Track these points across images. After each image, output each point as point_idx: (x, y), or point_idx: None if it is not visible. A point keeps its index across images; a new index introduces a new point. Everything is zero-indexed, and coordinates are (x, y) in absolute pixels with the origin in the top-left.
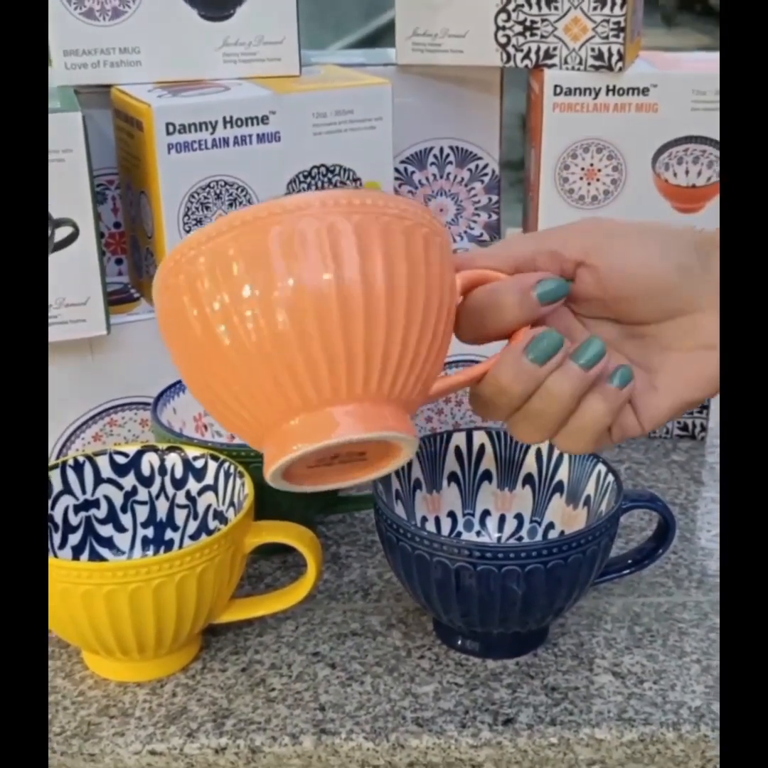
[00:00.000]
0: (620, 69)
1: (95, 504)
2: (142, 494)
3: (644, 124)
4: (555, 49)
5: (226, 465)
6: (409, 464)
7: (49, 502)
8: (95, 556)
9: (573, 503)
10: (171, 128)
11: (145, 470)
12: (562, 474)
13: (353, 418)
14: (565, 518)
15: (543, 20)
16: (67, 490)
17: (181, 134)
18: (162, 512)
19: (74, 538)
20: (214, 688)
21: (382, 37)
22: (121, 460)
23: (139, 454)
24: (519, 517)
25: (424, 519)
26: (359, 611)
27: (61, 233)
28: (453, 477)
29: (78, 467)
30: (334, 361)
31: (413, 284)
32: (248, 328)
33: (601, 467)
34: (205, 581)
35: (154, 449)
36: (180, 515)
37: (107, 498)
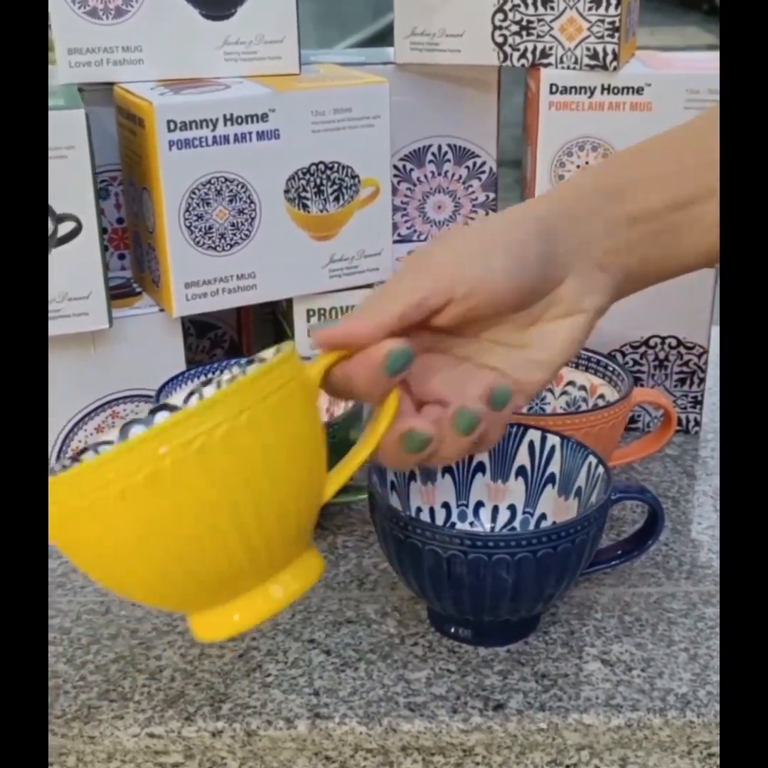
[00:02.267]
0: (615, 68)
1: None
2: None
3: (638, 122)
4: (551, 48)
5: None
6: None
7: None
8: None
9: (565, 494)
10: (172, 125)
11: None
12: (554, 466)
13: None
14: (557, 509)
15: (539, 20)
16: None
17: (182, 131)
18: None
19: None
20: (212, 673)
21: (389, 35)
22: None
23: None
24: (512, 508)
25: (419, 510)
26: (355, 600)
27: (64, 228)
28: (447, 469)
29: None
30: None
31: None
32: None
33: (592, 459)
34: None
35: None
36: None
37: None
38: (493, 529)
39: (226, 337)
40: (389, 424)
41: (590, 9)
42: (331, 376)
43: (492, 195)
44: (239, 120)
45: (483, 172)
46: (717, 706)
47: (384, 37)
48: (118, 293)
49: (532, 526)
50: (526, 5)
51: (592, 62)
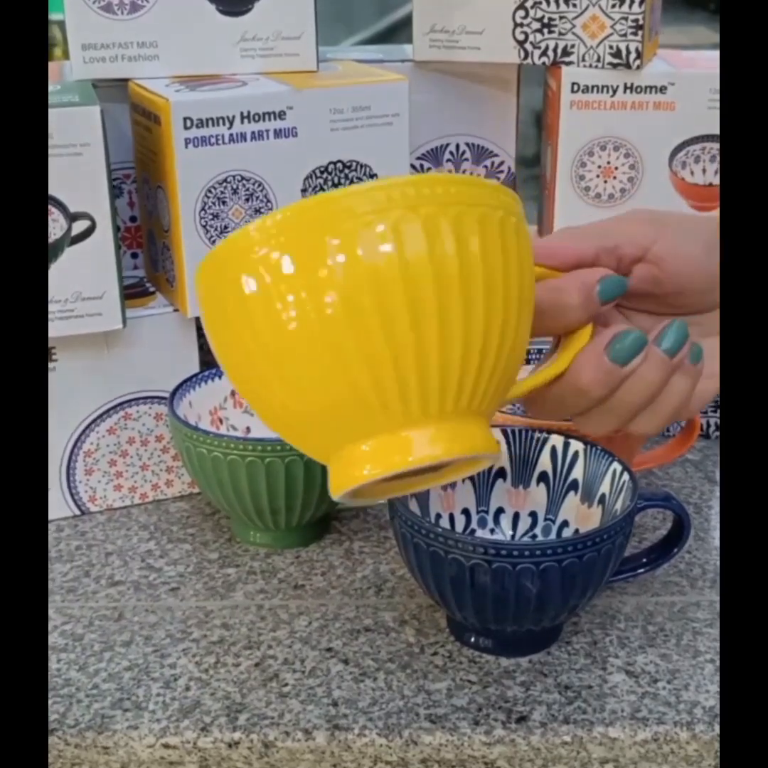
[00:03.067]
0: (638, 67)
1: None
2: None
3: (661, 122)
4: (573, 46)
5: None
6: None
7: None
8: None
9: (588, 502)
10: (188, 123)
11: None
12: (577, 472)
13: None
14: (580, 516)
15: (561, 17)
16: None
17: (199, 129)
18: None
19: None
20: (228, 682)
21: (395, 33)
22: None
23: None
24: (533, 514)
25: (438, 516)
26: (372, 607)
27: (78, 227)
28: None
29: None
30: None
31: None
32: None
33: (616, 466)
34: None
35: None
36: None
37: None
38: (513, 536)
39: None
40: (582, 348)
41: (613, 6)
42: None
43: None
44: (256, 117)
45: (501, 171)
46: None
47: (390, 35)
48: (132, 293)
49: (553, 534)
50: (548, 2)
51: (615, 61)
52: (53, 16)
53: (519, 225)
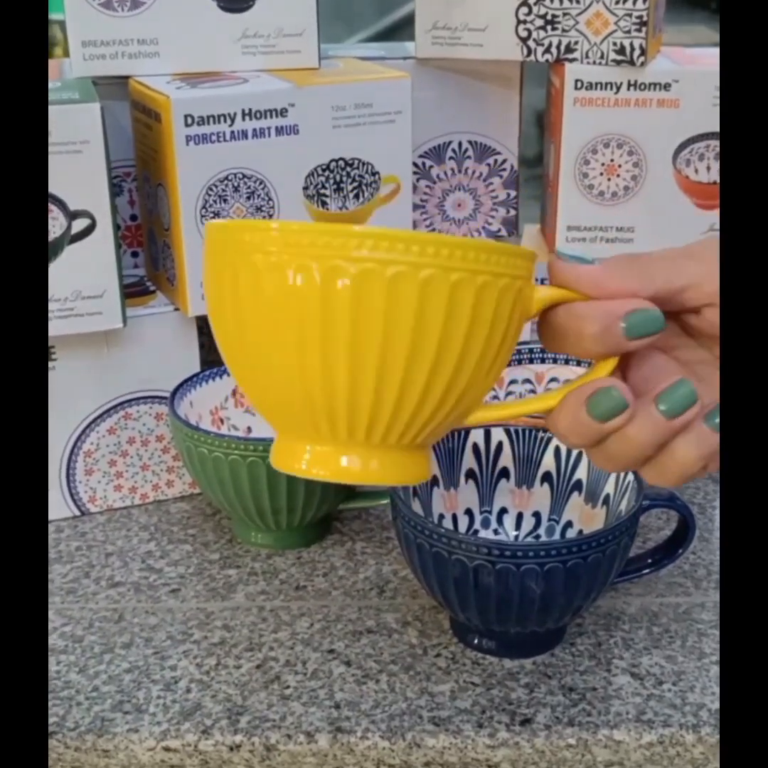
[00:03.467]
0: (642, 64)
1: None
2: None
3: (665, 119)
4: (576, 43)
5: None
6: None
7: None
8: None
9: (592, 502)
10: (189, 120)
11: None
12: (581, 472)
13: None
14: (584, 517)
15: (564, 14)
16: None
17: (200, 126)
18: None
19: None
20: (229, 684)
21: (397, 32)
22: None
23: None
24: (537, 515)
25: (441, 516)
26: (375, 608)
27: (77, 225)
28: (470, 474)
29: None
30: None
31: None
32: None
33: None
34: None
35: None
36: None
37: None
38: (517, 537)
39: None
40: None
41: (617, 3)
42: (555, 312)
43: (513, 193)
44: (258, 115)
45: (504, 169)
46: None
47: (392, 34)
48: (132, 292)
49: (557, 535)
50: None
51: (619, 57)
52: (54, 16)
53: (523, 288)
